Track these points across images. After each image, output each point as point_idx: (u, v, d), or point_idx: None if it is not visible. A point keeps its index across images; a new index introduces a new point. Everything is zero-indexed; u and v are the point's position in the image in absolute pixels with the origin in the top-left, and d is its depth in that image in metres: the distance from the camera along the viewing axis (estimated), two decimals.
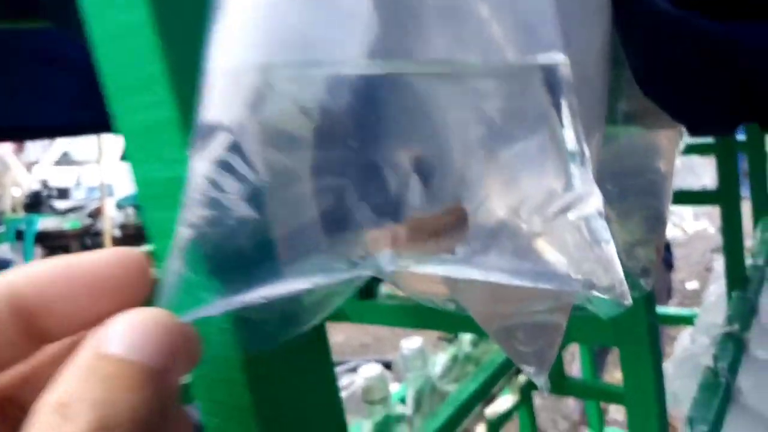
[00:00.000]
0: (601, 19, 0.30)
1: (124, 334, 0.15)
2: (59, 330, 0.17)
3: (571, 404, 2.69)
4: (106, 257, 0.18)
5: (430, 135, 0.20)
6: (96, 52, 0.20)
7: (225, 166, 0.17)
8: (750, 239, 1.17)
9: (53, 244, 5.20)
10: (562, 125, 0.20)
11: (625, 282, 0.19)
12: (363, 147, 0.19)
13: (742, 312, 0.93)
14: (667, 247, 2.32)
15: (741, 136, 1.17)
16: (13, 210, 5.25)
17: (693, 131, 0.40)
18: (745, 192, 1.11)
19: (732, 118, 0.37)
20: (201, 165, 0.17)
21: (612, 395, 1.26)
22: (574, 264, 0.19)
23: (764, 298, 1.00)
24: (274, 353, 0.21)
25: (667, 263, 2.31)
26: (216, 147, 0.17)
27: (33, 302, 0.17)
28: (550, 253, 0.19)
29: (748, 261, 1.06)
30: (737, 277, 1.00)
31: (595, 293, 0.19)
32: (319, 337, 0.21)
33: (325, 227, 0.19)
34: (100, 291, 0.18)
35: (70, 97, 0.66)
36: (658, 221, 0.37)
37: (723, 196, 0.96)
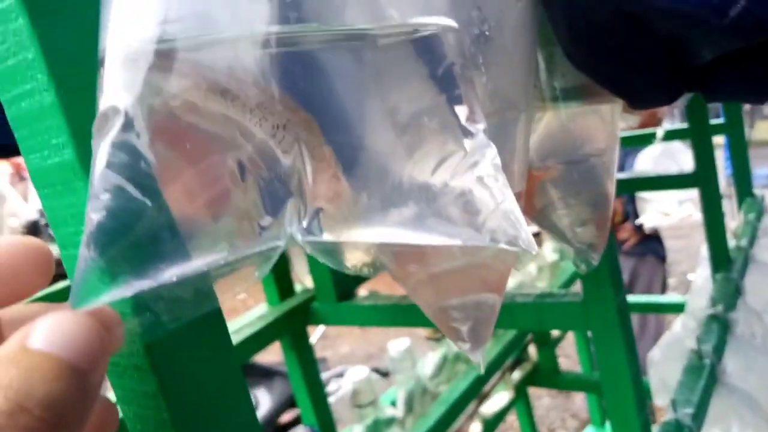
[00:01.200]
0: None
1: (49, 330, 0.17)
2: None
3: (579, 402, 2.69)
4: (6, 245, 0.19)
5: (329, 104, 0.20)
6: None
7: (122, 149, 0.17)
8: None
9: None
10: (455, 94, 0.20)
11: (528, 232, 0.19)
12: (264, 117, 0.19)
13: (727, 293, 0.92)
14: (658, 239, 2.30)
15: (720, 120, 1.17)
16: None
17: (633, 104, 0.40)
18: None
19: (669, 88, 0.37)
20: (101, 150, 0.17)
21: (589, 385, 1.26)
22: (480, 220, 0.19)
23: (749, 279, 1.00)
24: (174, 337, 0.20)
25: (659, 256, 2.29)
26: (114, 130, 0.17)
27: None
28: (457, 211, 0.19)
29: (732, 242, 1.06)
30: (721, 259, 0.99)
31: (503, 245, 0.19)
32: (216, 316, 0.21)
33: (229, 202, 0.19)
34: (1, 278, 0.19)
35: None
36: (600, 198, 0.37)
37: (701, 178, 0.96)
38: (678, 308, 1.33)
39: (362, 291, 0.82)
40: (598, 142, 0.37)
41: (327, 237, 0.19)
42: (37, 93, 0.19)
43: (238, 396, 0.22)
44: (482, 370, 0.28)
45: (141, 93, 0.17)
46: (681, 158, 1.49)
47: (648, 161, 1.61)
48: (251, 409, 0.22)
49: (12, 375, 0.15)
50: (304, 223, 0.19)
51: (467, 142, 0.19)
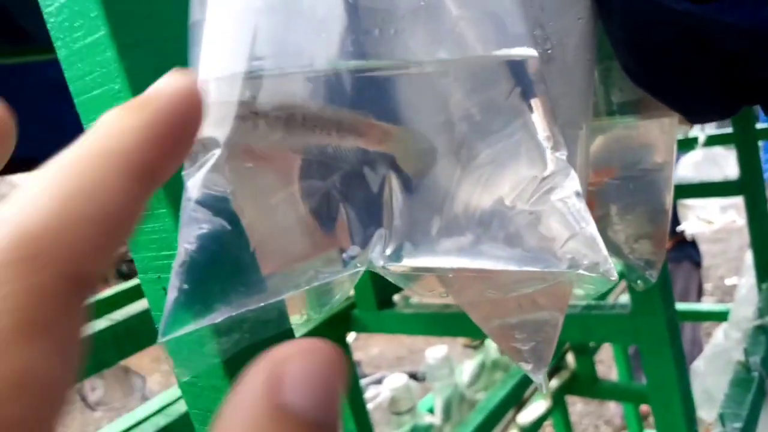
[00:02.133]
0: (579, 9, 0.30)
1: (305, 384, 0.12)
2: None
3: (613, 409, 2.65)
4: None
5: (406, 135, 0.20)
6: (66, 73, 0.21)
7: (215, 182, 0.18)
8: None
9: None
10: (535, 119, 0.20)
11: (609, 259, 0.19)
12: (343, 151, 0.19)
13: None
14: (694, 245, 2.25)
15: (762, 124, 1.15)
16: None
17: (690, 118, 0.39)
18: None
19: (728, 102, 0.36)
20: (195, 180, 0.18)
21: (645, 397, 1.24)
22: (558, 245, 0.19)
23: None
24: (252, 358, 0.21)
25: (695, 262, 2.24)
26: (210, 163, 0.18)
27: None
28: (535, 237, 0.19)
29: None
30: (766, 268, 0.97)
31: (582, 272, 0.19)
32: (289, 335, 0.22)
33: (313, 229, 0.19)
34: None
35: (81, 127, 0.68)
36: (659, 213, 0.37)
37: (746, 186, 0.94)
38: (720, 316, 1.30)
39: (396, 297, 0.82)
40: (657, 156, 0.37)
41: (407, 263, 0.19)
42: None
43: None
44: (544, 390, 0.28)
45: (233, 127, 0.17)
46: (724, 163, 1.46)
47: (689, 167, 1.58)
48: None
49: None
50: (388, 251, 0.19)
51: (547, 167, 0.19)
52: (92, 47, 0.19)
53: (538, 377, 0.28)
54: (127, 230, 0.13)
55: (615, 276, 0.19)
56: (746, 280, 1.09)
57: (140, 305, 0.59)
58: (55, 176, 0.13)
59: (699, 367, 0.93)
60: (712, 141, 1.18)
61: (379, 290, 0.79)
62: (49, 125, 0.73)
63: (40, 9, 0.21)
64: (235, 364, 0.21)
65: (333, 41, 0.18)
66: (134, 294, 0.73)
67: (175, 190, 0.20)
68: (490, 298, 0.26)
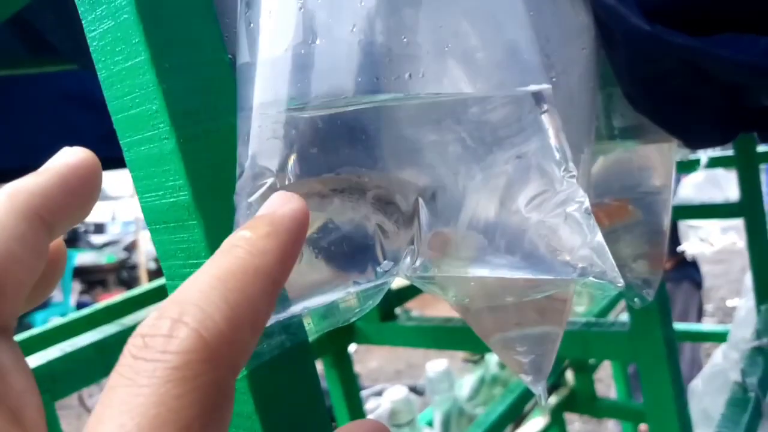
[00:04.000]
0: (584, 40, 0.32)
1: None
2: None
3: (611, 428, 2.64)
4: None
5: (431, 161, 0.22)
6: (105, 92, 0.22)
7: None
8: None
9: (90, 278, 5.32)
10: (548, 140, 0.22)
11: (615, 267, 0.21)
12: (376, 175, 0.21)
13: None
14: (695, 265, 2.25)
15: (764, 147, 1.16)
16: None
17: (689, 144, 0.41)
18: None
19: (726, 129, 0.38)
20: (244, 205, 0.20)
21: (643, 415, 1.24)
22: (570, 254, 0.21)
23: None
24: (270, 362, 0.22)
25: (695, 282, 2.25)
26: (259, 188, 0.20)
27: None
28: (548, 247, 0.21)
29: None
30: (766, 290, 0.98)
31: (592, 279, 0.20)
32: (304, 344, 0.23)
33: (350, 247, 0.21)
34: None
35: (97, 135, 0.70)
36: (656, 234, 0.38)
37: (746, 208, 0.95)
38: (720, 337, 1.31)
39: (398, 310, 0.83)
40: (656, 180, 0.38)
41: (433, 273, 0.21)
42: (157, 140, 0.21)
43: (322, 418, 0.24)
44: (543, 403, 0.30)
45: (313, 203, 0.19)
46: (725, 185, 1.47)
47: (691, 188, 1.59)
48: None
49: None
50: (417, 263, 0.21)
51: (558, 183, 0.21)
52: (132, 70, 0.21)
53: (538, 389, 0.30)
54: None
55: (621, 282, 0.21)
56: (746, 302, 1.10)
57: (148, 312, 0.61)
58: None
59: (697, 386, 0.94)
60: (713, 163, 1.19)
61: (382, 303, 0.81)
62: (63, 134, 0.76)
63: (67, 25, 0.22)
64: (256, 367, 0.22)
65: (364, 82, 0.20)
66: (143, 300, 0.75)
67: (205, 203, 0.21)
68: (505, 304, 0.27)
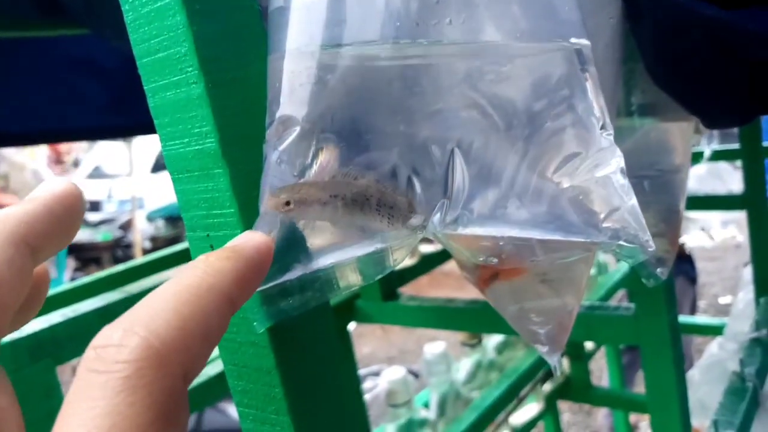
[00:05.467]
0: (612, 9, 0.31)
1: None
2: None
3: (600, 420, 2.66)
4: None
5: (466, 116, 0.21)
6: (131, 35, 0.22)
7: (291, 155, 0.19)
8: None
9: (85, 255, 5.31)
10: (588, 97, 0.21)
11: (647, 230, 0.20)
12: (410, 125, 0.20)
13: None
14: (690, 261, 2.26)
15: None
16: None
17: (708, 123, 0.40)
18: None
19: (747, 109, 0.38)
20: (274, 155, 0.20)
21: (637, 404, 1.25)
22: (602, 217, 0.20)
23: None
24: (294, 321, 0.22)
25: (690, 277, 2.26)
26: (287, 138, 0.19)
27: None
28: (580, 209, 0.21)
29: None
30: (766, 283, 0.98)
31: (623, 243, 0.20)
32: (326, 304, 0.23)
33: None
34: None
35: (99, 104, 0.69)
36: (672, 213, 0.38)
37: (750, 201, 0.95)
38: (715, 330, 1.32)
39: (400, 289, 0.83)
40: (674, 158, 0.38)
41: (463, 231, 0.20)
42: (185, 85, 0.21)
43: (337, 378, 0.23)
44: (558, 374, 0.29)
45: (315, 210, 0.19)
46: (727, 178, 1.47)
47: (693, 180, 1.59)
48: (359, 392, 0.23)
49: None
50: (448, 219, 0.20)
51: (595, 144, 0.20)
52: (161, 11, 0.20)
53: (553, 359, 0.29)
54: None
55: (653, 246, 0.20)
56: (743, 295, 1.11)
57: (153, 280, 0.60)
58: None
59: (694, 376, 0.94)
60: (717, 156, 1.19)
61: (385, 281, 0.80)
62: (65, 100, 0.75)
63: None
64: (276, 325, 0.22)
65: (404, 27, 0.20)
66: (145, 270, 0.74)
67: (231, 151, 0.21)
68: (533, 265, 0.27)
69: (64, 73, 0.75)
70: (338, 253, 0.20)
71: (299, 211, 0.19)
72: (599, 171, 0.21)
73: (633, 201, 0.21)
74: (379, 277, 0.23)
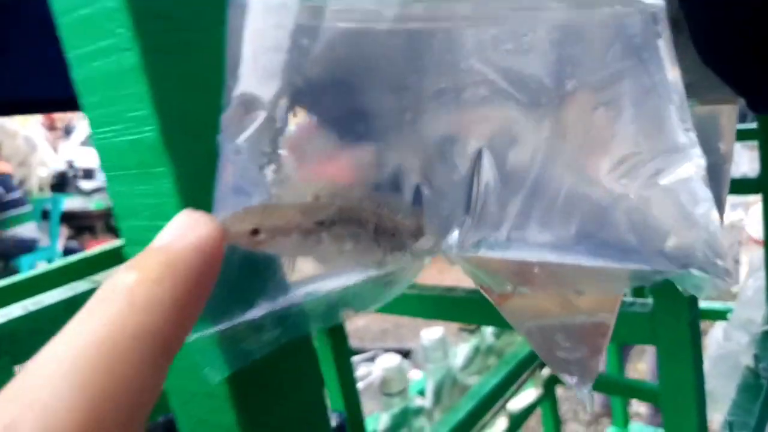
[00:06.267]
0: None
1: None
2: None
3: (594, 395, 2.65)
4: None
5: (494, 101, 0.16)
6: None
7: (254, 151, 0.14)
8: None
9: (79, 224, 5.24)
10: (664, 73, 0.16)
11: (728, 256, 0.15)
12: (420, 113, 0.15)
13: None
14: None
15: None
16: (40, 189, 5.29)
17: (754, 106, 0.35)
18: None
19: None
20: (231, 149, 0.14)
21: (643, 393, 1.21)
22: (668, 238, 0.15)
23: None
24: (261, 366, 0.17)
25: None
26: (249, 125, 0.14)
27: None
28: (639, 227, 0.16)
29: None
30: None
31: (694, 271, 0.15)
32: (308, 346, 0.18)
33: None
34: None
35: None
36: (718, 207, 0.33)
37: (765, 184, 0.90)
38: (719, 315, 1.27)
39: None
40: (721, 144, 0.33)
41: (488, 254, 0.15)
42: (115, 52, 0.15)
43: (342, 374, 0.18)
44: (589, 410, 0.24)
45: (294, 241, 0.13)
46: (739, 161, 1.42)
47: None
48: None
49: None
50: (470, 240, 0.15)
51: (664, 140, 0.15)
52: None
53: (584, 392, 0.25)
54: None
55: (733, 276, 0.15)
56: (753, 282, 1.06)
57: None
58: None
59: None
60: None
61: None
62: (37, 66, 0.69)
63: None
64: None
65: None
66: (117, 255, 0.69)
67: (177, 142, 0.15)
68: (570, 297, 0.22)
69: (34, 37, 0.69)
70: (319, 284, 0.15)
71: (272, 243, 0.13)
72: (668, 176, 0.16)
73: (713, 217, 0.16)
74: (375, 307, 0.18)
